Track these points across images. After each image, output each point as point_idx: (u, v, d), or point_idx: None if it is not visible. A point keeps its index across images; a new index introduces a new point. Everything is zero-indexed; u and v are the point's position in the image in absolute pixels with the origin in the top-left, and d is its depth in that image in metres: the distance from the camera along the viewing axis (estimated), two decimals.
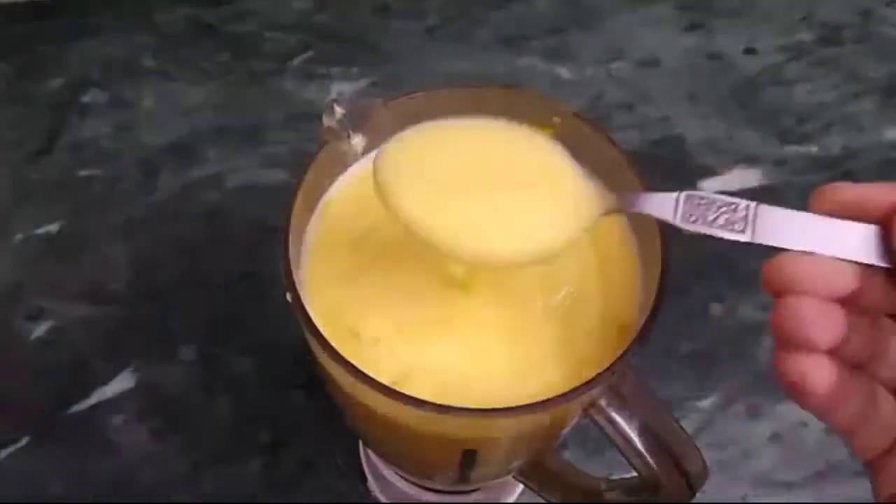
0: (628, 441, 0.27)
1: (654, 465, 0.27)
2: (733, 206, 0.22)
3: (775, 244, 0.21)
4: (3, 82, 0.54)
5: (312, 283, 0.29)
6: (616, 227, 0.30)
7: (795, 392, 0.21)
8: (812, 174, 0.52)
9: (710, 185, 0.51)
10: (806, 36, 0.59)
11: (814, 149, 0.54)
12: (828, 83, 0.57)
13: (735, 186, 0.51)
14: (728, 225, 0.22)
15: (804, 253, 0.21)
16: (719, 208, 0.22)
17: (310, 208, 0.30)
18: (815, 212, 0.21)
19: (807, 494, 0.42)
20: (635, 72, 0.56)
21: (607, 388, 0.26)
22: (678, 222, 0.23)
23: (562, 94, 0.55)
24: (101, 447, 0.42)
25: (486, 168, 0.26)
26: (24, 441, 0.42)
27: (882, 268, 0.20)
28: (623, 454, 0.27)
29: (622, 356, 0.25)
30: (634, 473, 0.28)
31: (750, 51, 0.58)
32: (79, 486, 0.41)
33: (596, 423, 0.27)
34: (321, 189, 0.30)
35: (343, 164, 0.31)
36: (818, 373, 0.20)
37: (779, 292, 0.20)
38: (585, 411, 0.27)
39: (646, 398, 0.27)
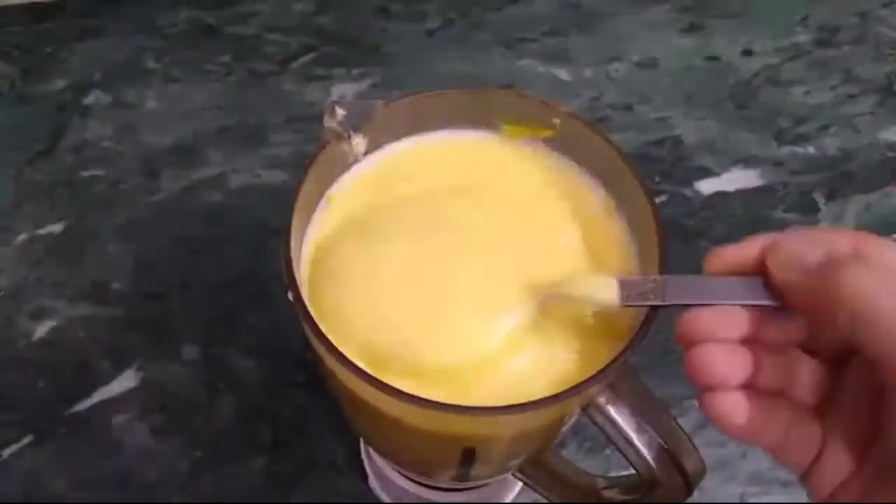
0: (626, 439, 0.27)
1: (652, 463, 0.27)
2: (647, 282, 0.26)
3: (682, 303, 0.25)
4: (7, 83, 0.54)
5: (314, 282, 0.29)
6: (614, 229, 0.31)
7: (720, 425, 0.24)
8: (809, 175, 0.53)
9: (707, 186, 0.52)
10: (803, 37, 0.59)
11: (811, 150, 0.54)
12: (825, 84, 0.57)
13: (732, 187, 0.52)
14: (644, 296, 0.26)
15: (703, 307, 0.24)
16: (638, 284, 0.26)
17: (311, 208, 0.30)
18: (709, 273, 0.25)
19: (804, 493, 0.42)
20: (634, 73, 0.57)
21: (605, 387, 0.26)
22: (612, 305, 0.26)
23: (561, 96, 0.55)
24: (103, 446, 0.42)
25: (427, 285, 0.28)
26: (26, 440, 0.42)
27: (773, 307, 0.24)
28: (621, 452, 0.28)
29: (620, 355, 0.25)
30: (632, 471, 0.29)
31: (747, 52, 0.58)
32: (81, 485, 0.41)
33: (594, 421, 0.27)
34: (322, 189, 0.31)
35: (344, 164, 0.31)
36: (734, 407, 0.24)
37: (688, 344, 0.24)
38: (584, 409, 0.27)
39: (644, 396, 0.27)
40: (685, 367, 0.24)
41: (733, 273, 0.24)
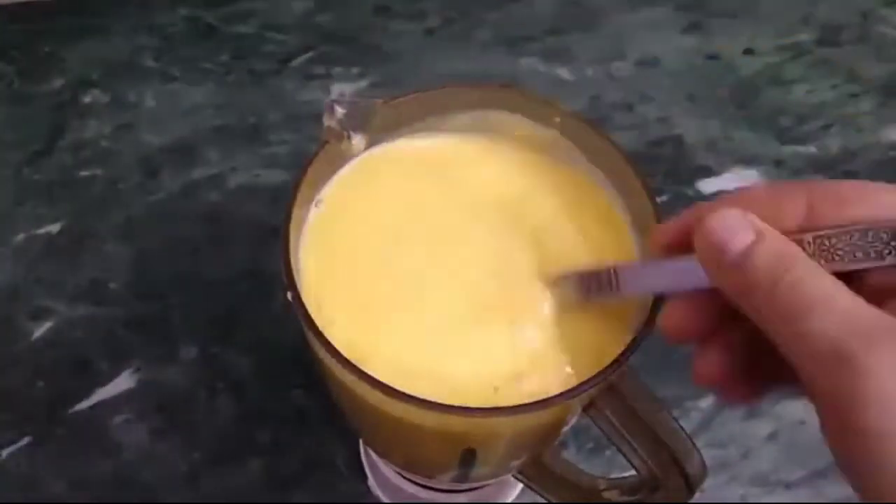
0: (627, 441, 0.27)
1: (653, 465, 0.27)
2: (602, 273, 0.26)
3: (637, 292, 0.26)
4: (5, 83, 0.54)
5: (313, 281, 0.29)
6: (618, 225, 0.30)
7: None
8: (810, 174, 0.52)
9: (708, 185, 0.52)
10: (805, 36, 0.59)
11: (812, 149, 0.54)
12: (826, 83, 0.57)
13: (733, 186, 0.52)
14: (602, 288, 0.26)
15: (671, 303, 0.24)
16: (595, 277, 0.26)
17: (310, 207, 0.30)
18: (654, 255, 0.25)
19: (805, 494, 0.42)
20: (635, 72, 0.56)
21: (606, 388, 0.26)
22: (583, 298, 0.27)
23: (561, 95, 0.55)
24: (102, 446, 0.42)
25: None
26: (24, 440, 0.42)
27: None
28: (622, 453, 0.28)
29: (621, 356, 0.25)
30: (633, 473, 0.29)
31: (749, 51, 0.58)
32: (79, 486, 0.41)
33: (595, 422, 0.27)
34: (321, 188, 0.30)
35: (342, 163, 0.31)
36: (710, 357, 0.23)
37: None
38: (585, 410, 0.27)
39: (645, 397, 0.27)
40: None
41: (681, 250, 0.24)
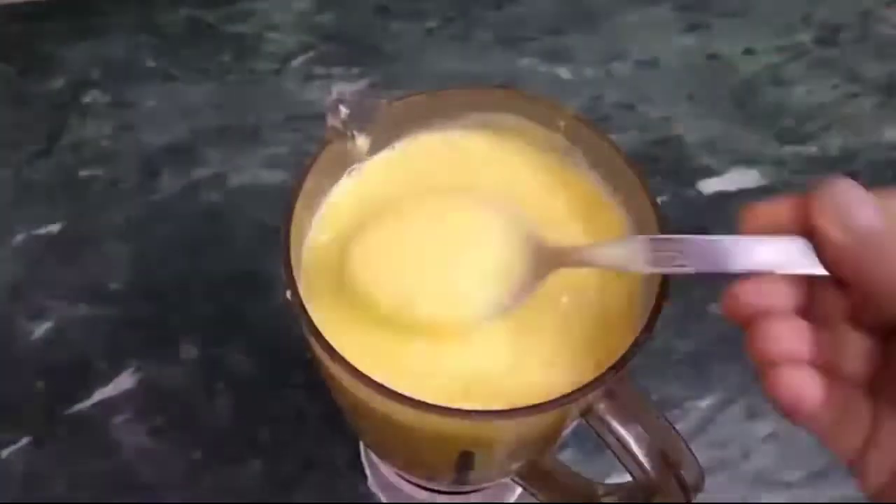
0: (625, 447, 0.27)
1: (651, 471, 0.27)
2: (675, 242, 0.23)
3: (718, 271, 0.22)
4: (4, 83, 0.54)
5: (313, 281, 0.29)
6: (618, 227, 0.30)
7: (790, 407, 0.21)
8: (811, 174, 0.52)
9: (708, 185, 0.52)
10: (805, 36, 0.59)
11: (812, 149, 0.54)
12: (827, 84, 0.57)
13: (734, 187, 0.52)
14: (672, 261, 0.23)
15: (754, 276, 0.22)
16: (662, 244, 0.24)
17: (311, 207, 0.30)
18: (746, 233, 0.22)
19: (805, 494, 0.42)
20: (635, 72, 0.56)
21: (604, 394, 0.26)
22: (637, 268, 0.24)
23: (561, 95, 0.55)
24: (102, 446, 0.42)
25: (440, 245, 0.28)
26: (24, 440, 0.42)
27: (822, 277, 0.21)
28: (619, 459, 0.28)
29: (619, 361, 0.25)
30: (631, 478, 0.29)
31: (749, 51, 0.58)
32: (79, 486, 0.41)
33: (593, 427, 0.27)
34: (323, 188, 0.30)
35: (345, 163, 0.31)
36: (806, 384, 0.21)
37: (744, 320, 0.22)
38: (583, 415, 0.27)
39: (642, 404, 0.27)
40: (748, 347, 0.22)
41: (769, 232, 0.22)
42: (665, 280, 0.26)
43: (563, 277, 0.28)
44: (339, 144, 0.29)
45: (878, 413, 0.22)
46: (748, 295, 0.22)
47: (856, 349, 0.22)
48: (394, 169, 0.32)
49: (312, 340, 0.25)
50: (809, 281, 0.22)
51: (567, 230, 0.30)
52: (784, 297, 0.22)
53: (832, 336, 0.22)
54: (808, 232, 0.21)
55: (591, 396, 0.25)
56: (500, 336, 0.28)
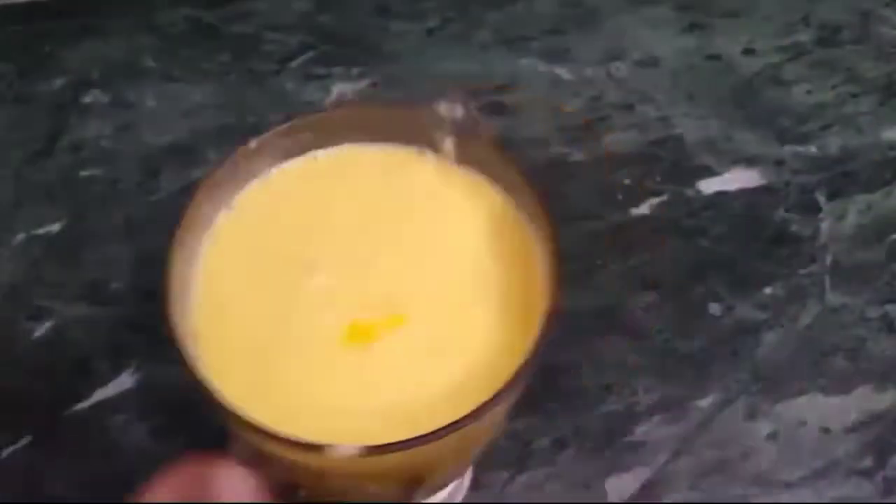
0: None
1: None
2: None
3: None
4: (4, 83, 0.54)
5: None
6: (522, 241, 0.30)
7: None
8: (811, 174, 0.52)
9: (708, 185, 0.52)
10: (805, 36, 0.59)
11: (812, 149, 0.54)
12: (827, 84, 0.57)
13: (734, 186, 0.52)
14: None
15: None
16: None
17: (204, 227, 0.31)
18: None
19: (806, 494, 0.42)
20: (635, 72, 0.56)
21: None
22: None
23: (561, 95, 0.55)
24: (102, 447, 0.42)
25: None
26: (24, 441, 0.42)
27: None
28: None
29: (521, 368, 0.25)
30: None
31: (749, 51, 0.58)
32: (79, 486, 0.41)
33: None
34: (218, 207, 0.31)
35: (244, 179, 0.32)
36: None
37: None
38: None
39: None
40: None
41: None
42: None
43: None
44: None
45: None
46: None
47: None
48: (293, 187, 0.32)
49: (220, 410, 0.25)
50: None
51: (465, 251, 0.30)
52: None
53: None
54: None
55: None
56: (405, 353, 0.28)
